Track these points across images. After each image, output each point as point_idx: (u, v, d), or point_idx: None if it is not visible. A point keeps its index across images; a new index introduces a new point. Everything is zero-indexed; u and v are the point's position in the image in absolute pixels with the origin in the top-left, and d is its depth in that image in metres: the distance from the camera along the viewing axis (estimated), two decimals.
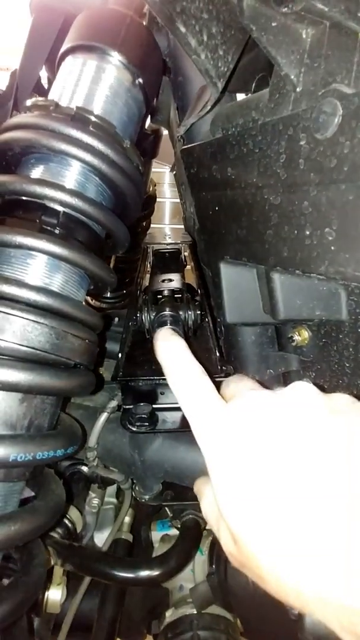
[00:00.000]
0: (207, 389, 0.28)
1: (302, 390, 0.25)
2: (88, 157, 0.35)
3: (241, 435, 0.24)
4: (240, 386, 0.31)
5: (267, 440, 0.23)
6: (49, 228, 0.35)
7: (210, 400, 0.27)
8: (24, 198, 0.35)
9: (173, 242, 0.64)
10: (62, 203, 0.34)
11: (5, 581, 0.35)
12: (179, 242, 0.62)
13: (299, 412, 0.24)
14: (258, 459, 0.23)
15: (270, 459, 0.23)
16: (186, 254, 0.61)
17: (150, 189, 0.86)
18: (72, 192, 0.34)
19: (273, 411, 0.24)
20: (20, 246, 0.32)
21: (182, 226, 0.67)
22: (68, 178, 0.36)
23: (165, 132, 0.68)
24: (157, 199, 0.89)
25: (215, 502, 0.25)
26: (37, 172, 0.36)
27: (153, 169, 0.85)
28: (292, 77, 0.31)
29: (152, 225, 0.93)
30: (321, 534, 0.20)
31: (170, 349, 0.32)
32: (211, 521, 0.28)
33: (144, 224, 0.89)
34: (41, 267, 0.34)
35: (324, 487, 0.21)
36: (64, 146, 0.34)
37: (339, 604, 0.19)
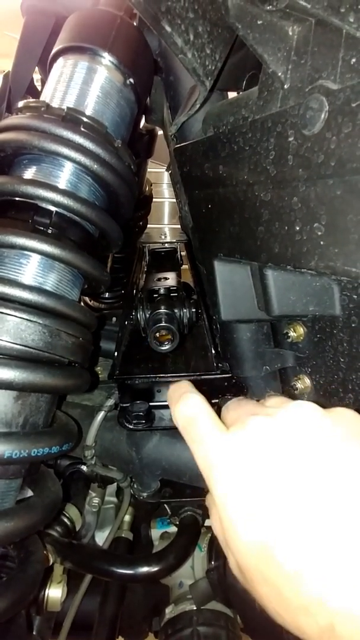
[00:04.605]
0: (208, 418, 0.28)
1: (303, 413, 0.25)
2: (79, 157, 0.35)
3: (242, 467, 0.24)
4: (240, 412, 0.30)
5: (268, 470, 0.23)
6: (41, 228, 0.35)
7: (211, 429, 0.27)
8: (16, 199, 0.35)
9: (169, 241, 0.64)
10: (54, 203, 0.35)
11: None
12: (175, 240, 0.63)
13: (300, 440, 0.24)
14: (261, 490, 0.23)
15: (272, 490, 0.23)
16: (183, 253, 0.61)
17: (147, 189, 0.86)
18: (64, 192, 0.35)
19: (274, 441, 0.24)
20: (12, 246, 0.33)
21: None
22: (60, 178, 0.37)
23: (160, 131, 0.68)
24: (156, 200, 0.89)
25: (221, 527, 0.25)
26: (29, 173, 0.36)
27: (152, 170, 0.85)
28: (280, 74, 0.31)
29: (151, 226, 0.93)
30: (319, 562, 0.20)
31: (176, 387, 0.33)
32: (222, 543, 0.28)
33: (141, 223, 0.89)
34: (34, 266, 0.34)
35: (323, 516, 0.21)
36: (55, 147, 0.35)
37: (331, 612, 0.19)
